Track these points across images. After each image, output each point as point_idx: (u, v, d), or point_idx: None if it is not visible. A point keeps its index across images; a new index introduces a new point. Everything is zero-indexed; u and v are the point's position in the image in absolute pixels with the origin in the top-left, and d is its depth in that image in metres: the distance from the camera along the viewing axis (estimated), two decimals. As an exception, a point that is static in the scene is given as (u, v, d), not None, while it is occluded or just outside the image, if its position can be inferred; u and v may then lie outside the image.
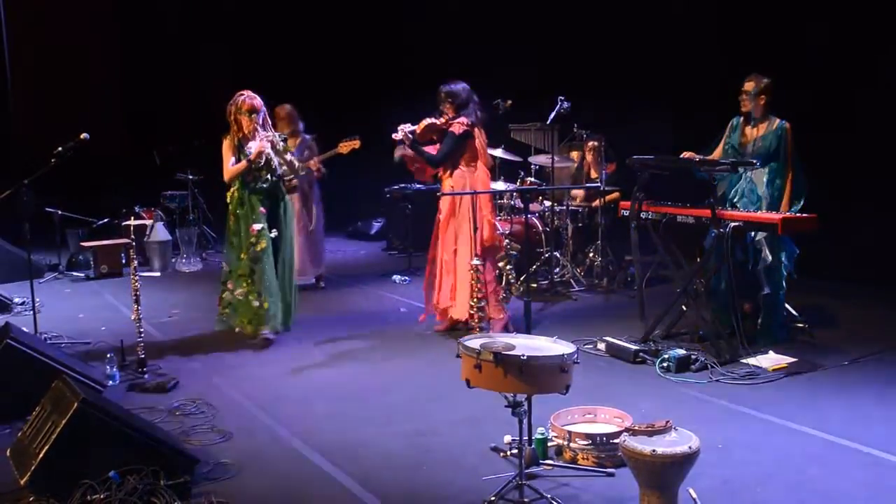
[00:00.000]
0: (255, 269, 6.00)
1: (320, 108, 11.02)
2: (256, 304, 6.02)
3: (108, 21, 13.13)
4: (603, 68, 9.27)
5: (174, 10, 13.24)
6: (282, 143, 6.21)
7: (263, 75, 12.62)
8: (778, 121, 5.82)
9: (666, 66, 8.89)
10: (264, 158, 6.00)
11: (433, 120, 6.13)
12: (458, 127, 6.07)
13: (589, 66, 9.34)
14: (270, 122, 6.23)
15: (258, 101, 6.08)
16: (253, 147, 5.98)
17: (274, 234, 6.08)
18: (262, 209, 6.06)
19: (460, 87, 6.18)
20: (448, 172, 6.21)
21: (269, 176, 6.08)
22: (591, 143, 8.31)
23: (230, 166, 6.07)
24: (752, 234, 5.75)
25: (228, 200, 6.15)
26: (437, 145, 6.18)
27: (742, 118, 5.95)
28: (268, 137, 6.07)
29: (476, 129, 6.17)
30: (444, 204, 6.24)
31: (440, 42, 10.95)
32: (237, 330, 6.16)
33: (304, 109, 8.05)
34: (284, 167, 6.22)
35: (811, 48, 7.74)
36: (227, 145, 6.12)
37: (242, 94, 6.08)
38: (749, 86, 5.82)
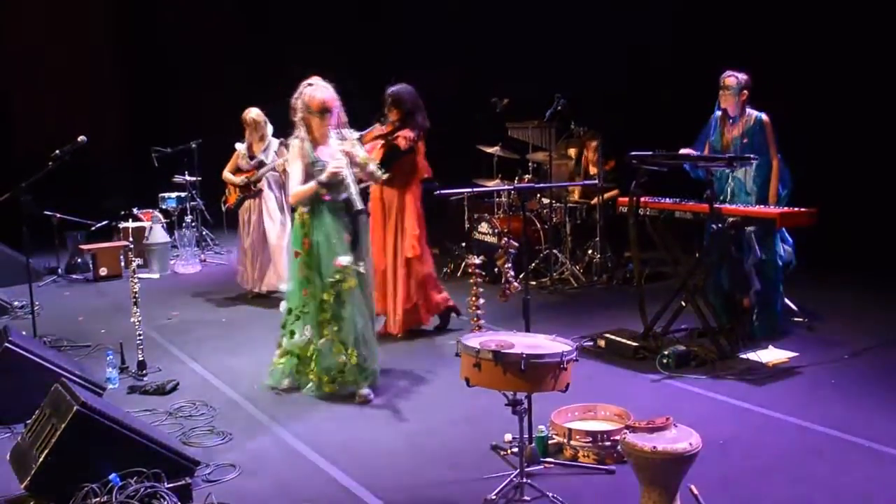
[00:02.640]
0: (342, 315, 4.91)
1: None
2: (342, 358, 4.93)
3: (107, 23, 13.10)
4: (600, 64, 9.26)
5: (173, 12, 13.21)
6: (362, 153, 5.15)
7: (263, 77, 12.67)
8: (755, 114, 5.81)
9: (661, 60, 8.89)
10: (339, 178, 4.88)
11: (381, 128, 5.99)
12: (403, 141, 5.93)
13: (588, 62, 9.34)
14: (346, 119, 5.10)
15: (330, 94, 4.94)
16: (327, 165, 4.87)
17: (362, 267, 4.97)
18: (346, 236, 4.92)
19: (407, 92, 6.02)
20: (383, 184, 5.91)
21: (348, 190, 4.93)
22: (592, 143, 8.29)
23: (297, 185, 4.94)
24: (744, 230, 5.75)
25: (299, 222, 4.99)
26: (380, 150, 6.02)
27: (720, 114, 5.93)
28: (344, 150, 4.95)
29: (420, 143, 6.05)
30: (377, 211, 6.11)
31: (436, 38, 10.94)
32: (303, 391, 5.05)
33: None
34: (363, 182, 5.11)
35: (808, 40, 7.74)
36: (295, 152, 4.97)
37: (311, 85, 4.96)
38: (731, 81, 5.78)
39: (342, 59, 11.94)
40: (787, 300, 6.11)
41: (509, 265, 4.24)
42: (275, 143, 7.69)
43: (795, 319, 6.13)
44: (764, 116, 5.79)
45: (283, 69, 12.29)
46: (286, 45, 12.67)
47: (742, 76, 5.77)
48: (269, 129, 7.73)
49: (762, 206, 5.63)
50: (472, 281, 4.61)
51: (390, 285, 6.14)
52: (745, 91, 5.78)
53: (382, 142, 6.03)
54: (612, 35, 9.32)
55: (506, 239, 4.51)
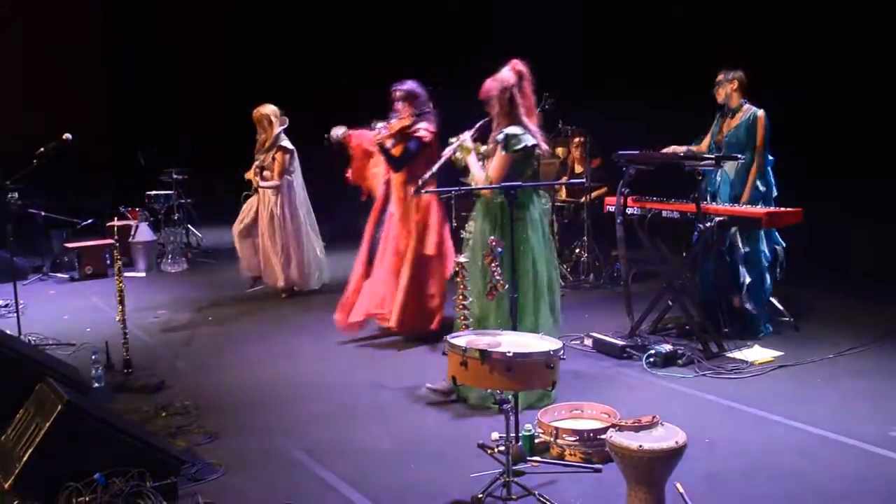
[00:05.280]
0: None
1: (306, 109, 10.95)
2: None
3: (93, 20, 13.06)
4: (589, 61, 9.27)
5: (159, 10, 13.17)
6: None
7: (249, 76, 12.66)
8: (753, 109, 5.85)
9: (653, 59, 8.90)
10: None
11: (402, 123, 5.90)
12: (426, 134, 5.87)
13: (576, 59, 9.34)
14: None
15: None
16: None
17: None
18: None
19: (418, 87, 5.96)
20: (399, 177, 5.95)
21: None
22: (577, 140, 8.33)
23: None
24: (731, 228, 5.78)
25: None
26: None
27: (721, 111, 5.99)
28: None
29: (435, 139, 5.99)
30: (396, 207, 6.00)
31: (423, 40, 10.92)
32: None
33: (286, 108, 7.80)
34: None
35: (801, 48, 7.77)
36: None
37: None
38: (720, 76, 5.90)
39: (335, 59, 11.98)
40: (773, 300, 6.14)
41: (496, 264, 4.24)
42: (280, 142, 7.59)
43: (782, 319, 6.16)
44: (760, 112, 5.83)
45: (266, 67, 12.43)
46: (270, 44, 12.66)
47: (734, 71, 5.84)
48: (276, 128, 7.58)
49: (749, 206, 5.66)
50: (459, 280, 4.60)
51: (403, 281, 5.95)
52: (736, 80, 5.84)
53: (402, 137, 5.93)
54: (601, 33, 9.33)
55: (493, 238, 4.50)
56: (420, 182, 5.10)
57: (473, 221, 4.98)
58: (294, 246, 7.70)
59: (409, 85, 5.98)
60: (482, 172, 4.77)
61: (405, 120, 5.92)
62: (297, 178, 7.74)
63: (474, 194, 5.02)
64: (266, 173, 7.57)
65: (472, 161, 4.83)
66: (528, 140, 4.67)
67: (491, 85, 4.70)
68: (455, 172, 6.35)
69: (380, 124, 5.90)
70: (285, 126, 7.63)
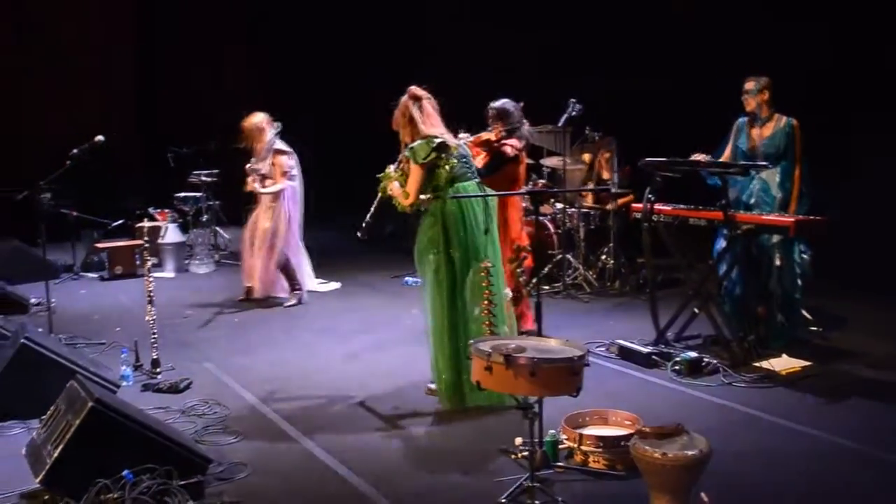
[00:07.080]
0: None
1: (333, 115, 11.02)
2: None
3: (125, 22, 13.20)
4: (618, 61, 9.27)
5: (191, 11, 13.29)
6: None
7: (285, 77, 12.75)
8: (785, 118, 5.80)
9: (680, 63, 8.88)
10: None
11: (489, 135, 6.01)
12: (510, 149, 5.95)
13: (603, 58, 9.34)
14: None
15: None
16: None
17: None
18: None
19: (511, 105, 6.09)
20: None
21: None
22: (606, 150, 8.30)
23: None
24: (766, 237, 5.73)
25: None
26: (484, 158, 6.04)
27: (747, 119, 5.93)
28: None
29: (523, 154, 6.14)
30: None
31: (446, 39, 10.95)
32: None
33: (323, 115, 7.73)
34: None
35: (829, 48, 7.71)
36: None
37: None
38: (749, 85, 5.81)
39: (363, 59, 12.02)
40: (801, 309, 6.08)
41: (521, 269, 4.24)
42: (276, 146, 7.53)
43: (810, 328, 6.11)
44: (794, 121, 5.78)
45: (293, 71, 12.49)
46: (296, 46, 12.73)
47: (762, 78, 5.79)
48: (269, 134, 7.49)
49: (777, 215, 5.61)
50: (484, 284, 4.62)
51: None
52: (766, 90, 5.78)
53: (483, 149, 6.04)
54: (627, 40, 9.32)
55: (517, 244, 4.52)
56: (359, 232, 5.21)
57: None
58: (293, 251, 7.68)
59: (501, 102, 6.11)
60: (400, 189, 4.97)
61: (493, 134, 6.01)
62: (299, 183, 7.69)
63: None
64: (268, 181, 7.53)
65: (396, 186, 5.02)
66: (433, 141, 4.81)
67: (395, 114, 4.96)
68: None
69: (464, 134, 5.89)
70: (279, 130, 7.58)
